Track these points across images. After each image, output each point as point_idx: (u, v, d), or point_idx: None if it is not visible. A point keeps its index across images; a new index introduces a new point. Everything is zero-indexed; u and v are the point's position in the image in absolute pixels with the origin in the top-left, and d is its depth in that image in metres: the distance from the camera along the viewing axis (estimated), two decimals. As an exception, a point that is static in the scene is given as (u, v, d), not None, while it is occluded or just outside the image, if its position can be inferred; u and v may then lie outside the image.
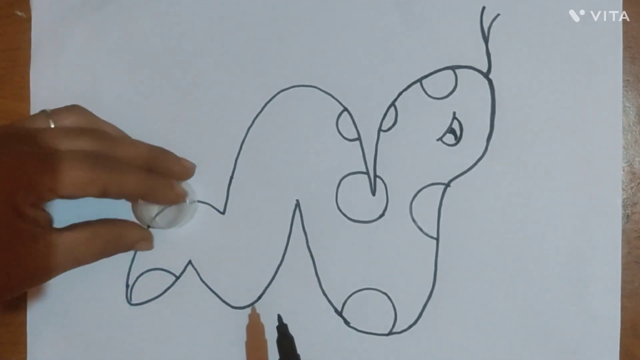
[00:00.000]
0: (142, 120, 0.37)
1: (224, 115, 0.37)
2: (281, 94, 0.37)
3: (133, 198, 0.34)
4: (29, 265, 0.30)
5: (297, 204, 0.37)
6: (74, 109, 0.35)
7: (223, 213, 0.37)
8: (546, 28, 0.35)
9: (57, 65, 0.38)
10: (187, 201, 0.36)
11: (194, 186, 0.37)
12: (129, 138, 0.36)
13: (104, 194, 0.31)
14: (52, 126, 0.33)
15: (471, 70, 0.36)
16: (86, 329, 0.38)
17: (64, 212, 0.33)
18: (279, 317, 0.35)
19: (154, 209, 0.35)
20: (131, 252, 0.37)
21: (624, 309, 0.34)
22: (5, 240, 0.29)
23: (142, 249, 0.37)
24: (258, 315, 0.36)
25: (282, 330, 0.35)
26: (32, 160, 0.29)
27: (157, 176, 0.34)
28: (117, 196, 0.32)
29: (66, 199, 0.31)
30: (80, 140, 0.32)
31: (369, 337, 0.36)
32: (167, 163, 0.35)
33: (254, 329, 0.36)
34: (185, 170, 0.36)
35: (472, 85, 0.36)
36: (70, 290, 0.38)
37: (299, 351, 0.36)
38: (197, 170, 0.36)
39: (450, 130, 0.36)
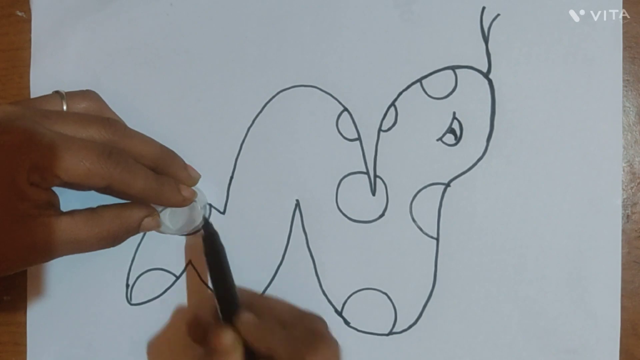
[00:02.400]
0: (142, 121, 0.37)
1: (224, 115, 0.37)
2: (281, 94, 0.37)
3: (138, 198, 0.33)
4: (24, 244, 0.30)
5: (297, 204, 0.37)
6: (88, 94, 0.34)
7: (223, 213, 0.37)
8: (546, 28, 0.35)
9: (57, 65, 0.38)
10: (199, 206, 0.35)
11: (201, 188, 0.37)
12: (141, 134, 0.34)
13: (108, 187, 0.31)
14: (65, 109, 0.33)
15: (471, 70, 0.36)
16: (86, 329, 0.38)
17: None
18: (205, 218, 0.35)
19: (163, 210, 0.35)
20: (131, 252, 0.37)
21: (624, 309, 0.35)
22: (1, 218, 0.29)
23: (150, 228, 0.34)
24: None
25: (207, 228, 0.34)
26: (39, 141, 0.29)
27: (164, 178, 0.33)
28: (121, 192, 0.31)
29: (71, 187, 0.31)
30: (92, 129, 0.31)
31: (369, 337, 0.36)
32: (174, 167, 0.35)
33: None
34: (190, 178, 0.35)
35: (472, 85, 0.36)
36: (70, 290, 0.38)
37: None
38: (197, 170, 0.36)
39: (450, 130, 0.36)
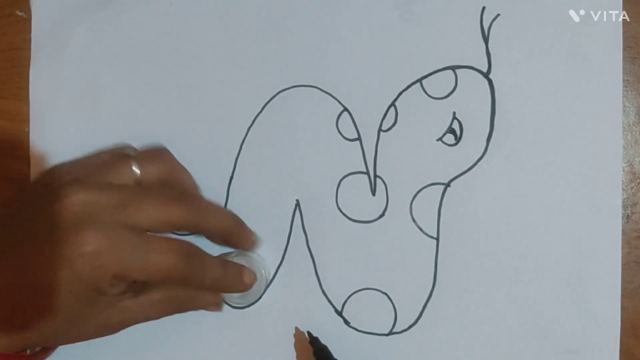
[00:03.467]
0: (142, 121, 0.37)
1: (224, 115, 0.37)
2: (281, 94, 0.37)
3: (205, 289, 0.35)
4: (100, 324, 0.32)
5: (297, 204, 0.37)
6: (159, 155, 0.35)
7: (223, 213, 0.37)
8: (546, 28, 0.35)
9: (57, 65, 0.38)
10: (263, 279, 0.36)
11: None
12: (214, 206, 0.36)
13: (181, 283, 0.33)
14: (138, 172, 0.33)
15: (471, 70, 0.36)
16: (86, 329, 0.38)
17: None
18: (309, 333, 0.35)
19: None
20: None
21: (624, 309, 0.35)
22: (84, 309, 0.31)
23: (212, 310, 0.36)
24: (302, 333, 0.36)
25: (316, 342, 0.35)
26: (121, 250, 0.30)
27: (230, 269, 0.34)
28: (192, 286, 0.34)
29: None
30: (171, 213, 0.32)
31: (369, 337, 0.36)
32: (240, 238, 0.35)
33: (301, 346, 0.36)
34: (252, 245, 0.36)
35: (472, 85, 0.36)
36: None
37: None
38: (197, 170, 0.36)
39: (450, 130, 0.36)
